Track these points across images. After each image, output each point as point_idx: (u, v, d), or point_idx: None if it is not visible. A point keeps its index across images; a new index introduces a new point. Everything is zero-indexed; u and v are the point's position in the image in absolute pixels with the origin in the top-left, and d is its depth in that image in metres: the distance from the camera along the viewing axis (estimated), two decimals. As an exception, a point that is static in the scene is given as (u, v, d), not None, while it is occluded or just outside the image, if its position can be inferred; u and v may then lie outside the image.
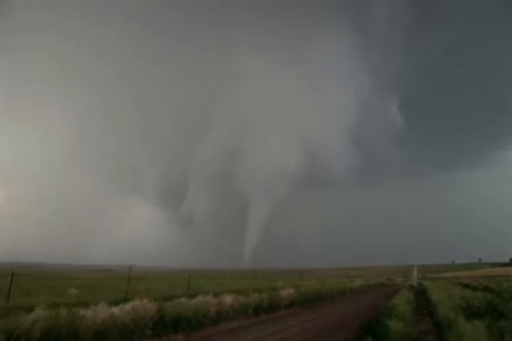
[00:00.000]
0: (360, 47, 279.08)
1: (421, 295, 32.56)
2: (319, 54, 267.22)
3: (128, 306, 11.20)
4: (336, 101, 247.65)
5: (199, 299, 14.43)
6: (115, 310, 10.69)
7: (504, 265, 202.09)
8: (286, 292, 21.96)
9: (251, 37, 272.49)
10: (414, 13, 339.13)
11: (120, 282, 24.82)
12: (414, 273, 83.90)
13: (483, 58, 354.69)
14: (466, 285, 42.12)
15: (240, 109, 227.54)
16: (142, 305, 11.47)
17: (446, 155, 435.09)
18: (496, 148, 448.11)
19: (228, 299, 15.76)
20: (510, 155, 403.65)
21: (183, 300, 13.83)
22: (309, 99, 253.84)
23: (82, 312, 9.99)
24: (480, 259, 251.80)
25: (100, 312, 10.15)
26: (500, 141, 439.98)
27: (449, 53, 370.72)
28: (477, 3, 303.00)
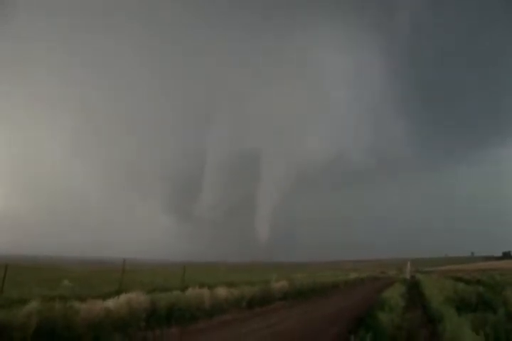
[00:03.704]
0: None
1: (414, 289, 32.76)
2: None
3: (122, 299, 11.20)
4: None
5: (193, 292, 14.46)
6: (109, 302, 10.70)
7: (496, 259, 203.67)
8: (280, 285, 22.04)
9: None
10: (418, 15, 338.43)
11: (114, 274, 24.81)
12: (408, 267, 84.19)
13: (484, 58, 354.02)
14: (459, 279, 42.39)
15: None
16: (136, 298, 11.48)
17: (442, 153, 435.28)
18: (491, 145, 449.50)
19: (222, 292, 15.79)
20: (505, 153, 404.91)
21: (177, 292, 13.85)
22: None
23: (77, 305, 10.00)
24: (473, 253, 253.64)
25: (94, 305, 10.15)
26: (496, 139, 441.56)
27: (450, 53, 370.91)
28: (477, 3, 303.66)
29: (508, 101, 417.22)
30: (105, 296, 11.58)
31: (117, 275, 20.00)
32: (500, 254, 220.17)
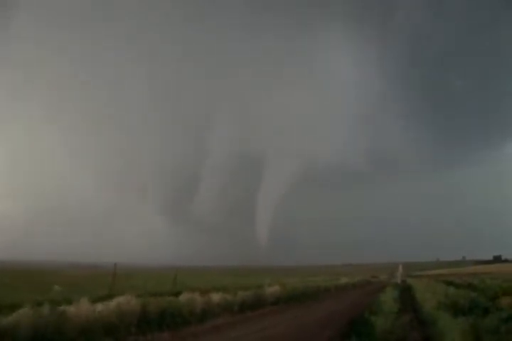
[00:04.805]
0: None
1: (405, 293, 32.83)
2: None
3: (112, 303, 11.13)
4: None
5: (185, 296, 14.40)
6: (100, 307, 10.63)
7: (487, 262, 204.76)
8: (272, 289, 22.02)
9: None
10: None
11: (105, 278, 24.65)
12: (399, 271, 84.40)
13: (484, 58, 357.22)
14: (450, 283, 42.50)
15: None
16: (127, 302, 11.41)
17: (436, 155, 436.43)
18: (484, 148, 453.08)
19: (214, 296, 15.75)
20: (496, 155, 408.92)
21: (169, 297, 13.79)
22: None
23: (67, 309, 9.92)
24: (464, 257, 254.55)
25: (85, 310, 10.08)
26: (491, 141, 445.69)
27: (450, 53, 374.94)
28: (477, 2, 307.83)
29: (509, 102, 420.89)
30: (96, 301, 11.49)
31: (109, 280, 19.88)
32: (491, 258, 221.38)
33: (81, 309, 10.10)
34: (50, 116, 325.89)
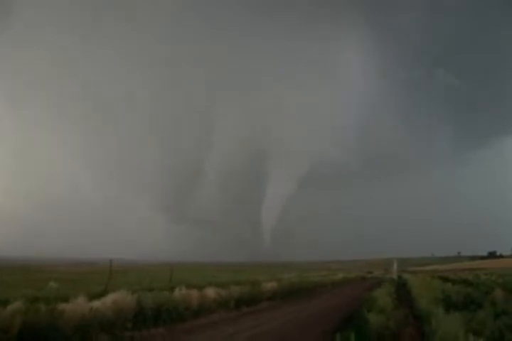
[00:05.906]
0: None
1: (401, 289, 32.95)
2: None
3: (108, 299, 11.12)
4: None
5: (181, 292, 14.40)
6: (95, 303, 10.62)
7: (482, 258, 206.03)
8: (269, 285, 22.05)
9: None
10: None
11: (102, 275, 24.66)
12: (395, 267, 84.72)
13: (484, 59, 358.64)
14: (446, 278, 42.72)
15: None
16: (123, 299, 11.40)
17: (432, 152, 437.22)
18: (478, 146, 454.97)
19: (210, 292, 15.76)
20: (492, 154, 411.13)
21: (165, 293, 13.79)
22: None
23: (63, 305, 9.90)
24: (459, 253, 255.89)
25: (80, 306, 10.07)
26: (488, 140, 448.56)
27: (450, 53, 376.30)
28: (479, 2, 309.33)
29: (509, 103, 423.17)
30: (92, 297, 11.49)
31: (105, 276, 19.87)
32: (485, 254, 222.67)
33: (77, 305, 10.09)
34: (50, 115, 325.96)
